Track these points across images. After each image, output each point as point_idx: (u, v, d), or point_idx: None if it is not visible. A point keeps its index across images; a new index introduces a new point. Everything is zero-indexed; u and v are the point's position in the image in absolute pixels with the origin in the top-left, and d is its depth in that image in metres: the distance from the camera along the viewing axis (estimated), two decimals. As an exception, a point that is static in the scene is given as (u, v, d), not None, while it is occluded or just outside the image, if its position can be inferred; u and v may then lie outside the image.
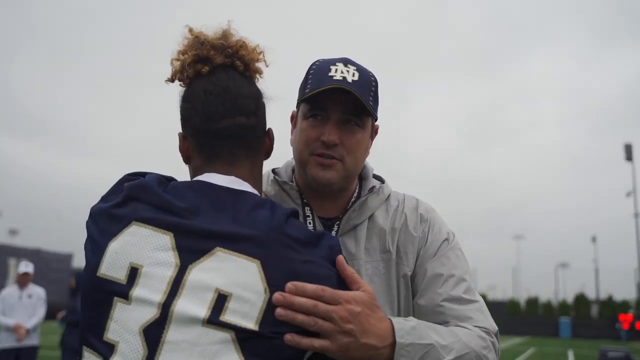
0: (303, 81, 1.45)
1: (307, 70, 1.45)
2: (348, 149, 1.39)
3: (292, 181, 1.49)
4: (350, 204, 1.46)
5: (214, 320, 0.98)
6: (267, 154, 1.24)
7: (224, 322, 0.97)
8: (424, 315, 1.33)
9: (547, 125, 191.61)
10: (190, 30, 1.17)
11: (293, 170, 1.52)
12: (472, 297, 1.35)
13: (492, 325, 1.33)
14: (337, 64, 1.39)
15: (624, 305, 55.40)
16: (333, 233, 1.42)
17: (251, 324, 0.97)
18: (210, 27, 1.17)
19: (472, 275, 1.43)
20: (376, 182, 1.52)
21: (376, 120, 1.48)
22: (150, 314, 0.99)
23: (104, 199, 1.11)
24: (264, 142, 1.23)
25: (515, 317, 48.70)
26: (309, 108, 1.42)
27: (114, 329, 1.00)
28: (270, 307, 0.99)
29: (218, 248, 1.00)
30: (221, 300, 0.98)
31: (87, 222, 1.09)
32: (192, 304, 0.98)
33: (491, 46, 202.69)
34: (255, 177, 1.18)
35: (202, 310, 0.98)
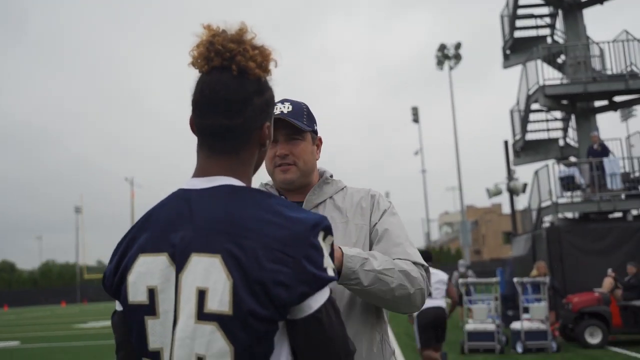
0: None
1: None
2: (297, 156, 1.96)
3: (272, 184, 2.08)
4: (311, 191, 2.05)
5: (200, 315, 1.15)
6: (262, 145, 1.34)
7: (207, 313, 1.14)
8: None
9: (345, 89, 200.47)
10: (207, 27, 1.28)
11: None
12: (408, 244, 1.98)
13: (424, 263, 1.97)
14: (277, 104, 1.97)
15: (416, 253, 61.09)
16: None
17: (226, 309, 1.12)
18: (227, 25, 1.28)
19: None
20: (330, 179, 2.12)
21: (316, 133, 2.07)
22: (170, 320, 1.21)
23: None
24: (255, 136, 1.31)
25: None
26: None
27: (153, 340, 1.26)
28: (236, 292, 1.12)
29: (192, 253, 1.17)
30: (202, 296, 1.14)
31: None
32: (186, 305, 1.17)
33: (292, 12, 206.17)
34: (239, 169, 1.29)
35: (192, 309, 1.15)
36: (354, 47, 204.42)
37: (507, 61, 19.05)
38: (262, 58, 1.28)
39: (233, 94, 1.25)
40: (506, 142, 21.59)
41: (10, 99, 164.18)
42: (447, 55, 45.49)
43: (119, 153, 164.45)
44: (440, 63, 45.91)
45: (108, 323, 24.08)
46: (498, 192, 28.99)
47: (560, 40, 17.92)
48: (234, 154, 1.28)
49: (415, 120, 58.06)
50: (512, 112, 18.70)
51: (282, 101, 2.01)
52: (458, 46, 45.34)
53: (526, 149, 18.06)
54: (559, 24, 18.11)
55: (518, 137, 18.13)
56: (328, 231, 1.22)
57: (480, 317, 11.06)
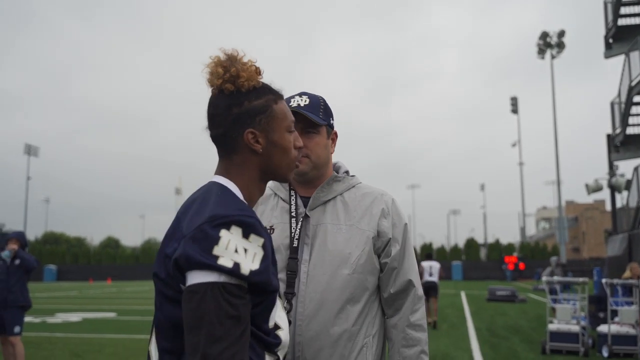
0: None
1: None
2: (310, 149, 1.99)
3: None
4: (319, 188, 2.07)
5: None
6: (254, 152, 1.49)
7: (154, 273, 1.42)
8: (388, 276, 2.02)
9: (445, 76, 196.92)
10: (211, 57, 1.49)
11: None
12: (415, 273, 2.05)
13: (421, 292, 2.07)
14: (294, 96, 2.03)
15: (509, 248, 59.35)
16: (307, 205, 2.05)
17: (157, 270, 1.39)
18: (222, 51, 1.48)
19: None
20: (343, 175, 2.12)
21: (332, 127, 2.08)
22: None
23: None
24: (240, 143, 1.48)
25: (411, 263, 50.63)
26: None
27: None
28: (159, 256, 1.38)
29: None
30: None
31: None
32: None
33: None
34: (232, 171, 1.49)
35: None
36: (456, 32, 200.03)
37: (609, 50, 18.04)
38: (229, 76, 1.47)
39: (214, 109, 1.50)
40: (609, 136, 20.49)
41: (117, 85, 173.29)
42: (550, 44, 43.64)
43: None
44: (541, 51, 44.12)
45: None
46: (598, 189, 27.59)
47: (670, 29, 16.76)
48: (228, 157, 1.50)
49: (514, 110, 56.22)
50: (612, 104, 17.72)
51: (300, 94, 2.05)
52: (562, 34, 43.37)
53: (626, 144, 17.09)
54: (669, 10, 16.93)
55: (618, 130, 17.17)
56: (248, 229, 1.31)
57: (565, 318, 10.64)
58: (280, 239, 1.99)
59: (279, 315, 1.43)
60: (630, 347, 9.94)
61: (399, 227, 2.03)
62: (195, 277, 1.25)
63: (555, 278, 11.97)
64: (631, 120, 16.75)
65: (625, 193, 19.54)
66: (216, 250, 1.26)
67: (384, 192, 2.10)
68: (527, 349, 10.78)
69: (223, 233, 1.28)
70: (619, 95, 17.10)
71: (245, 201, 1.44)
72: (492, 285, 27.52)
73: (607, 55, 18.06)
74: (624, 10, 17.42)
